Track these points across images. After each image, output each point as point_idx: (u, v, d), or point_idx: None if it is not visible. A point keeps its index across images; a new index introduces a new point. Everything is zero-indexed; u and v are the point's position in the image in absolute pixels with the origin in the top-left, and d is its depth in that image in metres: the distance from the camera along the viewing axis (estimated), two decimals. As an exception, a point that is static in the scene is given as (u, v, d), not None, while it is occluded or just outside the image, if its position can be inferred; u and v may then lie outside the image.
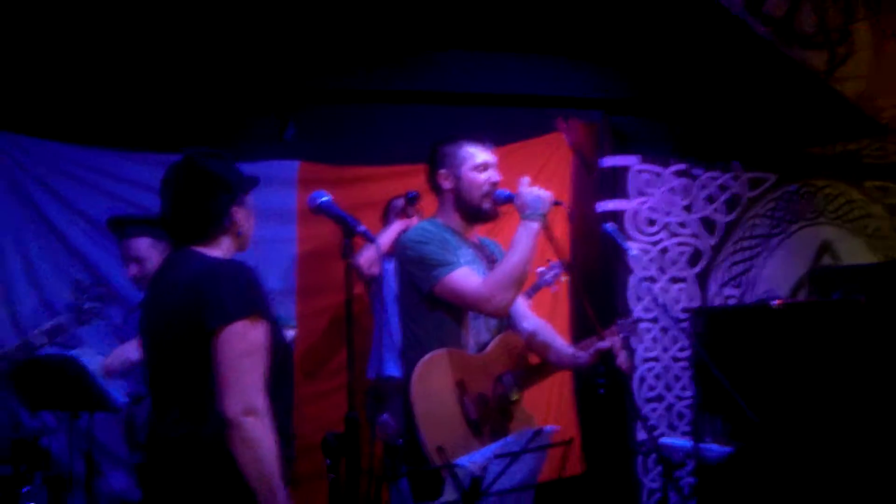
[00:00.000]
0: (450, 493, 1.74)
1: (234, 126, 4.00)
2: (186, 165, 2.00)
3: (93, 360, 3.10)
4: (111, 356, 3.17)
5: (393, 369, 3.58)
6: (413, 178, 4.12)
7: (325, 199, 1.98)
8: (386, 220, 3.87)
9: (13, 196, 3.77)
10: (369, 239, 1.94)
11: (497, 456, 1.74)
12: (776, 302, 2.98)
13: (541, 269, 3.69)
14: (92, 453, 3.18)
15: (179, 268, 1.94)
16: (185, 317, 1.85)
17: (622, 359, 2.38)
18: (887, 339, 2.98)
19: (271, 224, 3.89)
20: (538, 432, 1.82)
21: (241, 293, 1.84)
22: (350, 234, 1.87)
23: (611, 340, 2.39)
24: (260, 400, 1.79)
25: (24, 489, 3.19)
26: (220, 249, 1.98)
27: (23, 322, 3.68)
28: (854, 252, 4.75)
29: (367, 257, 3.60)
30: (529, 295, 3.49)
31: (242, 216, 2.01)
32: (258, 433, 1.76)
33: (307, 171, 4.07)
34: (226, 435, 1.76)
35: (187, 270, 1.91)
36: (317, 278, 4.07)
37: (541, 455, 1.87)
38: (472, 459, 1.74)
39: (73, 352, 3.13)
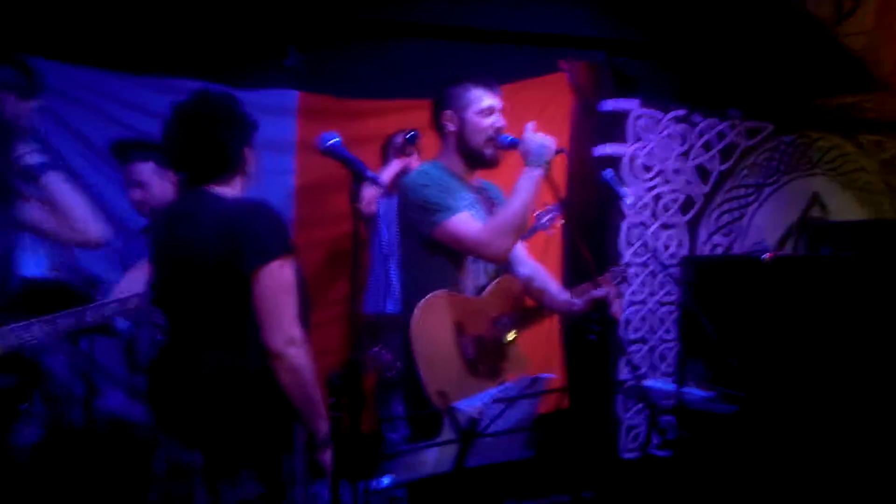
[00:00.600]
0: (448, 433, 1.83)
1: (234, 50, 3.93)
2: (204, 103, 2.03)
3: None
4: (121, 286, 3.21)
5: (390, 306, 3.65)
6: (414, 114, 4.09)
7: (333, 140, 1.99)
8: (385, 156, 3.87)
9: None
10: (378, 184, 1.96)
11: (495, 400, 1.82)
12: (766, 255, 3.04)
13: (538, 212, 3.73)
14: (90, 374, 3.26)
15: (202, 208, 1.99)
16: (221, 258, 1.92)
17: (615, 307, 2.45)
18: (874, 296, 3.07)
19: (269, 154, 3.82)
20: (535, 380, 1.91)
21: (276, 233, 1.93)
22: (359, 179, 1.89)
23: (605, 289, 2.46)
24: (298, 331, 1.93)
25: (23, 406, 3.29)
26: (233, 189, 2.03)
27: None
28: (844, 205, 4.82)
29: (366, 196, 3.62)
30: (525, 237, 3.54)
31: (251, 156, 2.07)
32: (301, 361, 1.91)
33: (307, 102, 4.03)
34: (270, 366, 1.90)
35: (213, 211, 1.96)
36: (314, 210, 4.08)
37: (535, 400, 1.97)
38: (471, 403, 1.82)
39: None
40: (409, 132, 3.68)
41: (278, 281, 1.92)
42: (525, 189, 2.44)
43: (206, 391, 1.96)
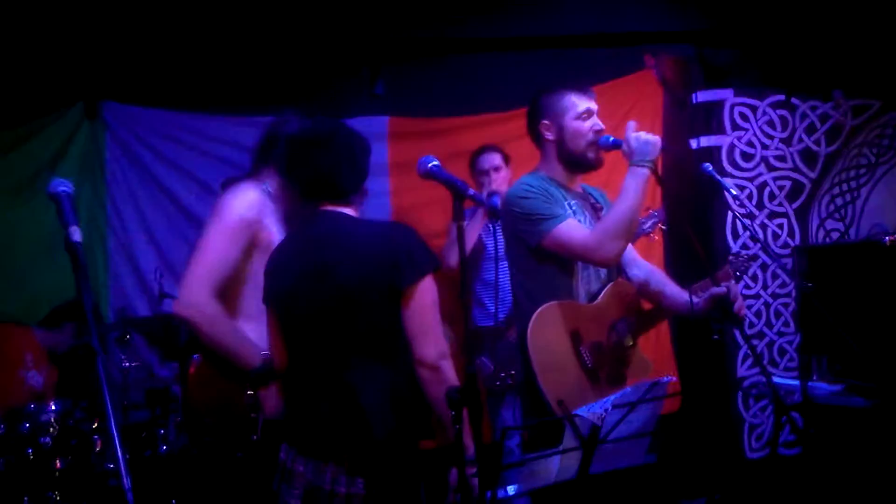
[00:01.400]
0: (569, 441, 1.84)
1: (324, 85, 4.10)
2: (340, 127, 2.15)
3: None
4: None
5: (483, 319, 3.69)
6: (501, 126, 4.16)
7: (433, 163, 2.03)
8: (473, 174, 3.85)
9: (129, 163, 4.03)
10: (479, 202, 1.99)
11: (615, 406, 1.81)
12: (888, 238, 2.89)
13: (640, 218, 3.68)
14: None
15: (346, 230, 2.05)
16: (378, 276, 1.98)
17: (739, 304, 2.37)
18: None
19: (367, 179, 4.01)
20: (655, 384, 1.89)
21: (426, 251, 2.04)
22: (460, 198, 1.92)
23: (726, 285, 2.38)
24: (446, 344, 2.01)
25: (160, 431, 3.51)
26: (355, 210, 2.13)
27: (146, 279, 3.96)
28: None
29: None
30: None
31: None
32: (452, 373, 1.98)
33: (397, 126, 4.17)
34: (421, 377, 1.97)
35: (362, 233, 2.05)
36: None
37: (657, 404, 1.94)
38: (591, 409, 1.82)
39: None
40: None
41: (431, 296, 2.00)
42: (633, 189, 2.41)
43: (367, 410, 1.96)
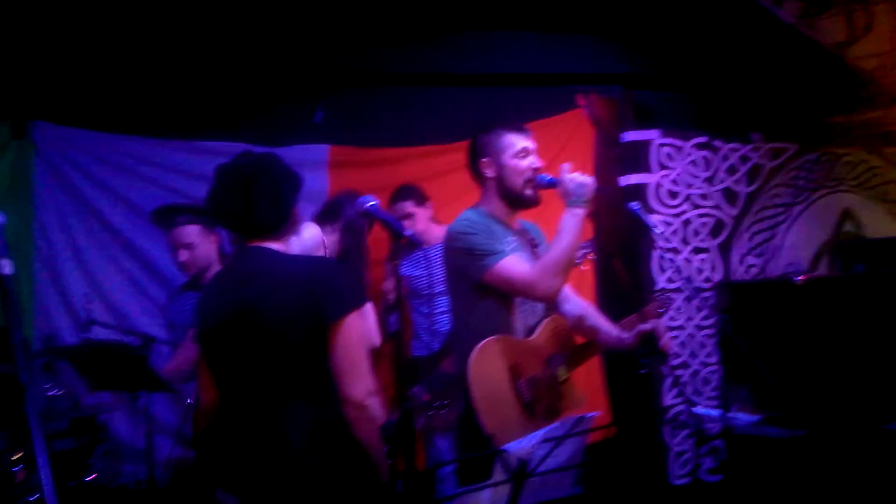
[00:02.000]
0: (499, 475, 1.89)
1: (265, 112, 4.11)
2: (258, 162, 2.08)
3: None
4: (174, 359, 3.35)
5: (418, 349, 3.74)
6: (440, 158, 4.25)
7: (372, 203, 2.08)
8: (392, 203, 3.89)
9: (59, 186, 3.91)
10: (416, 242, 2.05)
11: (543, 441, 1.88)
12: (800, 277, 3.07)
13: None
14: (151, 429, 3.39)
15: (270, 266, 2.02)
16: (301, 313, 1.95)
17: (665, 340, 2.49)
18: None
19: (304, 206, 4.00)
20: (581, 418, 1.97)
21: (351, 286, 2.01)
22: (397, 237, 1.98)
23: (653, 322, 2.50)
24: (374, 382, 1.97)
25: (88, 460, 3.42)
26: (285, 244, 2.10)
27: (74, 305, 3.86)
28: (876, 219, 4.82)
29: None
30: None
31: (298, 212, 2.15)
32: (379, 411, 1.95)
33: (337, 154, 4.20)
34: (348, 416, 1.93)
35: (286, 268, 2.01)
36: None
37: (583, 438, 2.02)
38: (520, 444, 1.89)
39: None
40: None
41: (357, 332, 1.97)
42: (570, 229, 2.51)
43: (294, 447, 1.95)
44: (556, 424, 1.96)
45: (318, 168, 4.16)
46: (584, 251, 3.84)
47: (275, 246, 2.08)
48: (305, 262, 2.10)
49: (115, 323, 3.74)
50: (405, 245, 2.10)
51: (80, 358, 3.33)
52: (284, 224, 2.09)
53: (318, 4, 3.97)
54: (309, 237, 2.90)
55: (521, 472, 1.86)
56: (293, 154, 4.02)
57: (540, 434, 1.90)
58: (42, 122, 3.90)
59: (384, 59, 4.18)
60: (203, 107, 4.04)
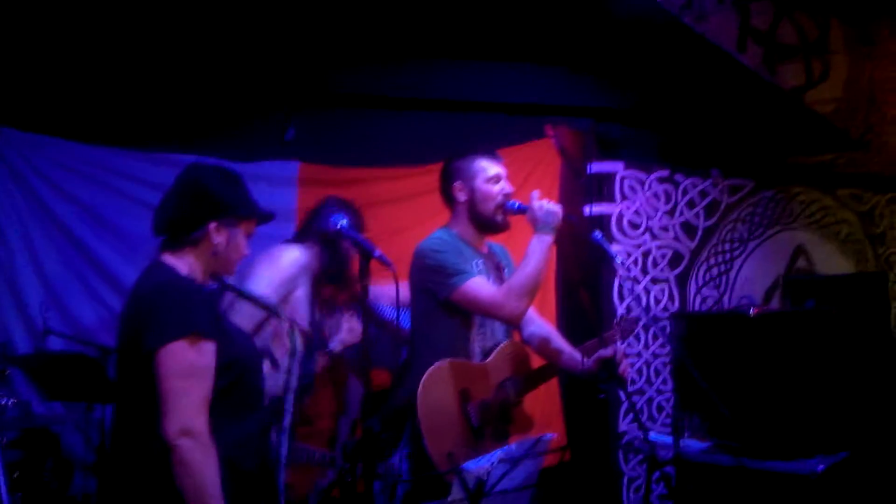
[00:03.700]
0: (456, 493, 1.93)
1: (236, 126, 4.11)
2: (184, 172, 2.00)
3: None
4: None
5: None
6: (411, 180, 4.30)
7: (343, 223, 2.11)
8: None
9: (19, 192, 3.85)
10: (385, 263, 2.08)
11: (500, 461, 1.92)
12: (753, 311, 3.17)
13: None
14: (104, 442, 3.34)
15: (144, 278, 1.93)
16: (132, 334, 1.84)
17: (624, 366, 2.56)
18: (857, 348, 3.20)
19: (272, 222, 4.02)
20: (538, 440, 2.01)
21: (179, 313, 1.80)
22: (367, 258, 2.00)
23: (613, 348, 2.57)
24: (198, 422, 1.76)
25: (37, 472, 3.35)
26: (186, 263, 1.94)
27: (30, 314, 3.80)
28: (827, 256, 4.99)
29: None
30: None
31: (223, 238, 1.95)
32: (194, 455, 1.74)
33: (307, 172, 4.22)
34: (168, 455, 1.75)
35: (144, 284, 1.90)
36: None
37: (539, 459, 2.06)
38: (478, 464, 1.92)
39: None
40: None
41: (178, 364, 1.77)
42: (536, 254, 2.58)
43: (115, 473, 1.87)
44: (513, 446, 2.01)
45: (287, 185, 4.17)
46: None
47: (172, 261, 1.94)
48: (147, 284, 1.90)
49: (73, 333, 3.69)
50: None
51: (34, 367, 3.28)
52: (176, 237, 1.94)
53: (296, 23, 4.02)
54: (288, 264, 2.88)
55: (478, 492, 1.89)
56: (263, 169, 4.05)
57: (497, 454, 1.94)
58: (7, 127, 3.86)
59: (359, 81, 4.23)
60: (173, 119, 4.03)
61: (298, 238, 3.01)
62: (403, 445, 3.51)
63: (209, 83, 4.05)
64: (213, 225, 1.93)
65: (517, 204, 2.71)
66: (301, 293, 2.96)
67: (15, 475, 3.32)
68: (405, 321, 3.63)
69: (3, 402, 3.43)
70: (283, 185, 4.16)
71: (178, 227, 1.95)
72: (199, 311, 1.84)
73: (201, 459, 1.75)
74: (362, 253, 2.00)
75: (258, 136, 4.12)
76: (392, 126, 4.35)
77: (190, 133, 4.02)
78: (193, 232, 1.93)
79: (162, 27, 3.87)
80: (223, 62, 4.03)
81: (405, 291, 2.73)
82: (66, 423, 3.62)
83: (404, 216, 4.04)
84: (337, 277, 2.87)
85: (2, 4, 3.64)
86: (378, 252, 2.02)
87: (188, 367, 1.78)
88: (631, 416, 4.40)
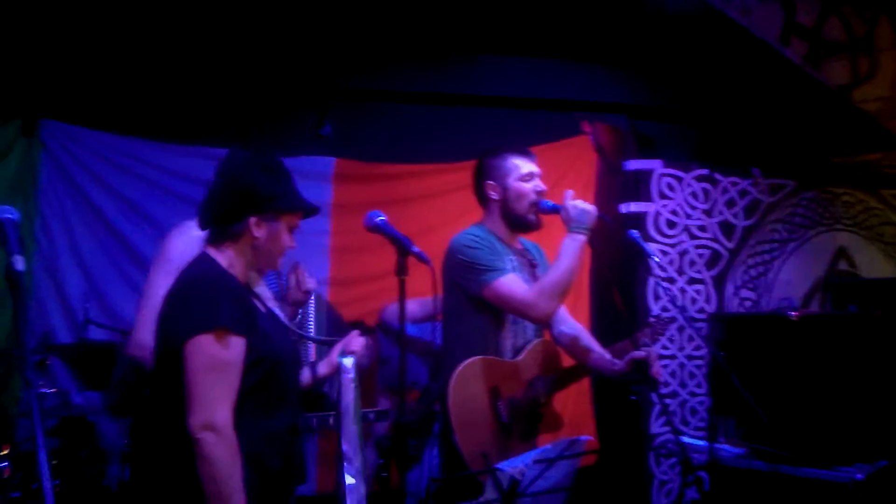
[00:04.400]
0: (490, 494, 1.91)
1: (273, 121, 4.14)
2: (224, 160, 1.95)
3: None
4: None
5: None
6: (443, 176, 4.30)
7: (381, 218, 2.10)
8: None
9: (64, 184, 3.94)
10: (423, 260, 2.06)
11: (535, 461, 1.90)
12: (794, 313, 3.10)
13: None
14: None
15: (188, 269, 1.93)
16: (168, 324, 1.85)
17: (657, 368, 2.52)
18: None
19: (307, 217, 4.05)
20: (574, 441, 1.99)
21: (207, 307, 1.80)
22: (404, 253, 1.99)
23: (646, 350, 2.53)
24: (220, 416, 1.76)
25: (75, 462, 3.42)
26: (226, 257, 1.92)
27: (72, 305, 3.87)
28: (870, 259, 4.87)
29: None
30: None
31: (263, 232, 1.91)
32: (216, 450, 1.74)
33: (342, 168, 4.24)
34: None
35: (186, 275, 1.90)
36: (348, 270, 4.24)
37: (574, 461, 2.04)
38: (513, 464, 1.90)
39: None
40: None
41: (203, 358, 1.77)
42: (569, 254, 2.54)
43: (139, 461, 1.90)
44: (548, 446, 1.98)
45: (323, 180, 4.20)
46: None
47: (214, 254, 1.93)
48: (187, 276, 1.90)
49: (112, 324, 3.75)
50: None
51: (75, 357, 3.34)
52: (218, 231, 1.92)
53: (333, 20, 4.03)
54: None
55: (511, 492, 1.88)
56: (299, 164, 4.04)
57: (533, 454, 1.92)
58: (51, 120, 3.93)
59: (394, 77, 4.23)
60: (211, 114, 4.08)
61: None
62: (432, 443, 3.53)
63: (247, 78, 4.08)
64: (252, 219, 1.90)
65: (550, 203, 2.69)
66: None
67: (53, 463, 3.39)
68: (430, 334, 3.62)
69: (43, 391, 3.51)
70: (318, 181, 4.18)
71: (219, 221, 1.93)
72: (228, 305, 1.83)
73: (223, 454, 1.75)
74: (400, 249, 1.98)
75: (295, 131, 4.15)
76: (427, 122, 4.35)
77: (227, 128, 4.06)
78: (233, 226, 1.91)
79: (201, 23, 3.91)
80: (261, 58, 4.06)
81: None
82: (102, 413, 3.67)
83: (435, 214, 4.04)
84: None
85: (44, 1, 3.70)
86: (416, 248, 2.01)
87: (213, 361, 1.78)
88: (663, 419, 4.34)
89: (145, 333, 2.22)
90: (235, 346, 1.81)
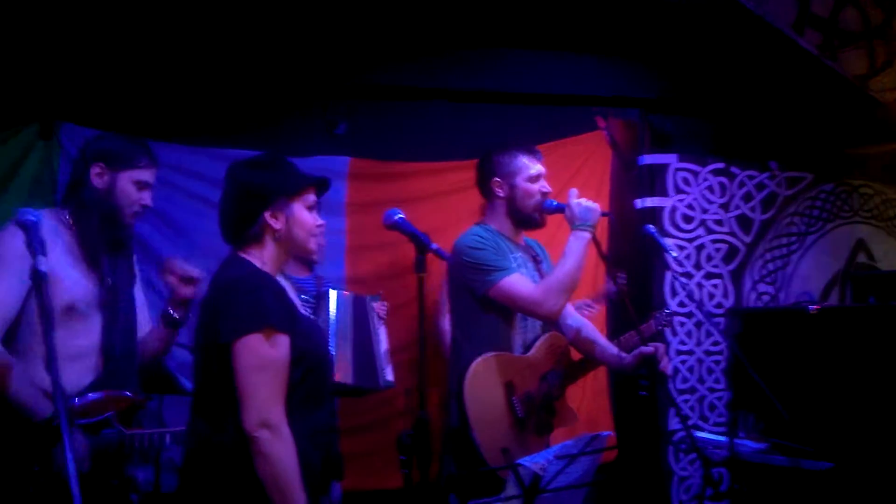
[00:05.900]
0: (511, 490, 1.91)
1: (287, 121, 4.16)
2: (225, 177, 2.04)
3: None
4: None
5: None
6: (457, 174, 4.28)
7: (400, 216, 2.12)
8: None
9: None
10: (442, 256, 2.08)
11: (557, 457, 1.90)
12: (813, 307, 3.09)
13: (577, 302, 3.58)
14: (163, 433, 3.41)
15: (221, 270, 1.98)
16: (208, 327, 1.89)
17: (665, 363, 2.53)
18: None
19: (322, 216, 4.03)
20: (595, 437, 1.99)
21: (253, 307, 1.84)
22: (423, 251, 2.01)
23: (654, 345, 2.54)
24: (275, 413, 1.81)
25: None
26: (259, 255, 1.97)
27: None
28: (889, 251, 4.82)
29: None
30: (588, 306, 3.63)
31: (281, 222, 1.96)
32: (274, 447, 1.79)
33: (357, 167, 4.24)
34: (248, 446, 1.80)
35: (221, 276, 1.95)
36: (364, 268, 4.25)
37: (595, 457, 2.04)
38: (534, 459, 1.91)
39: None
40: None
41: (253, 357, 1.82)
42: (575, 252, 2.58)
43: (188, 464, 1.93)
44: (569, 442, 1.99)
45: (338, 179, 4.20)
46: (590, 309, 3.81)
47: (246, 255, 1.99)
48: (223, 277, 1.96)
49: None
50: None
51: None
52: (240, 235, 1.98)
53: (344, 19, 4.04)
54: None
55: (533, 488, 1.88)
56: (314, 164, 4.06)
57: (554, 450, 1.92)
58: (69, 123, 3.96)
59: (407, 73, 4.24)
60: (226, 115, 4.10)
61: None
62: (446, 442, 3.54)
63: (261, 79, 4.10)
64: (266, 214, 1.96)
65: (554, 203, 2.74)
66: None
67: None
68: None
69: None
70: (334, 180, 4.10)
71: (238, 229, 1.99)
72: (273, 304, 1.87)
73: (280, 450, 1.80)
74: (419, 246, 2.00)
75: (309, 131, 4.16)
76: (441, 119, 4.35)
77: (241, 128, 4.08)
78: (251, 228, 1.97)
79: (215, 25, 3.93)
80: (276, 58, 4.08)
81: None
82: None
83: (451, 211, 4.02)
84: None
85: (61, 4, 3.73)
86: (435, 245, 2.03)
87: (263, 360, 1.82)
88: (682, 414, 4.32)
89: None
90: (282, 344, 1.86)
